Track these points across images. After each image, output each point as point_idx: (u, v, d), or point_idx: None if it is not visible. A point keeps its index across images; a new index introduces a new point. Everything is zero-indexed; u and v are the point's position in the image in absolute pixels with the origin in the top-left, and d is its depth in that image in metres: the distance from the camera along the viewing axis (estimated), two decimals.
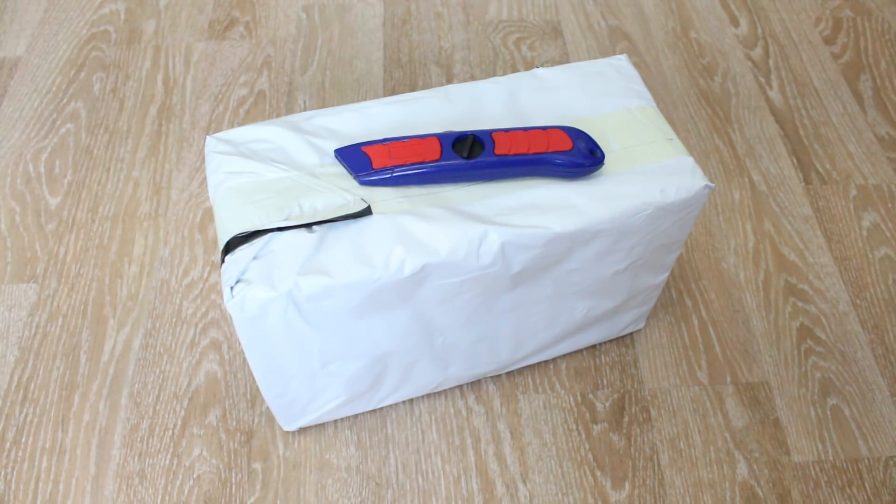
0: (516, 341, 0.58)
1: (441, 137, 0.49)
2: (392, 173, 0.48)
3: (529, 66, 0.89)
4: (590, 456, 0.60)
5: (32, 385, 0.63)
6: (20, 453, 0.59)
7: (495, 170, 0.48)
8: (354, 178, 0.49)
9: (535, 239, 0.47)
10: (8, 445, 0.60)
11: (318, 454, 0.59)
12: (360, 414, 0.61)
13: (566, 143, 0.49)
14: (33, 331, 0.66)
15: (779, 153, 0.81)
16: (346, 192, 0.48)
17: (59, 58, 0.88)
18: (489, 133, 0.49)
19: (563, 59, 0.90)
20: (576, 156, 0.48)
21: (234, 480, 0.58)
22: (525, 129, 0.49)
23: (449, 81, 0.87)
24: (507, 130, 0.49)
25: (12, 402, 0.62)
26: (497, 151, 0.48)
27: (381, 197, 0.48)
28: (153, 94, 0.85)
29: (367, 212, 0.47)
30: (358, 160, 0.49)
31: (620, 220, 0.49)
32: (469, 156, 0.48)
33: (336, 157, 0.49)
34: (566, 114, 0.53)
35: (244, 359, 0.64)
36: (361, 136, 0.51)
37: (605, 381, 0.64)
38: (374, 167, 0.48)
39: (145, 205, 0.75)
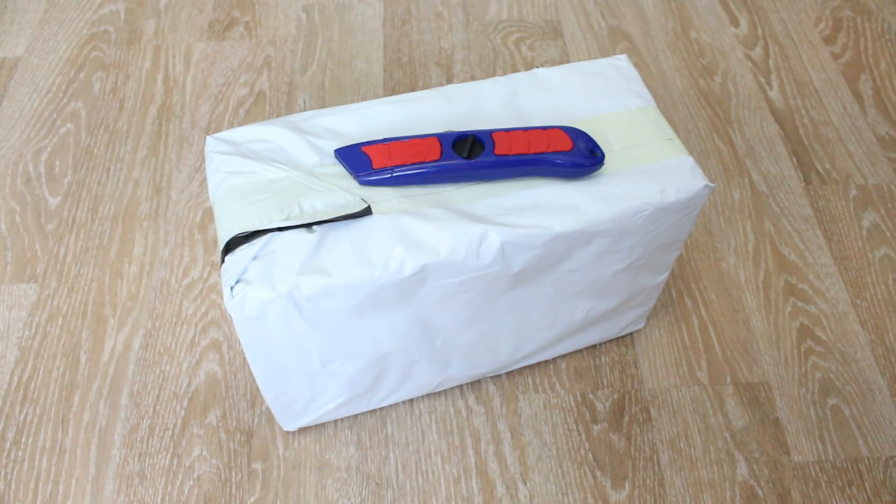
0: (516, 341, 0.58)
1: (441, 137, 0.49)
2: (392, 173, 0.48)
3: (529, 66, 0.89)
4: (590, 456, 0.60)
5: (32, 385, 0.63)
6: (20, 453, 0.59)
7: (495, 170, 0.48)
8: (354, 178, 0.48)
9: (534, 239, 0.47)
10: (8, 445, 0.60)
11: (318, 454, 0.59)
12: (360, 414, 0.61)
13: (566, 143, 0.49)
14: (33, 331, 0.66)
15: (779, 153, 0.81)
16: (346, 192, 0.48)
17: (59, 58, 0.88)
18: (489, 133, 0.49)
19: (563, 59, 0.90)
20: (576, 156, 0.48)
21: (234, 480, 0.58)
22: (525, 130, 0.49)
23: (449, 81, 0.87)
24: (507, 130, 0.49)
25: (12, 402, 0.62)
26: (497, 151, 0.48)
27: (381, 197, 0.48)
28: (153, 94, 0.85)
29: (367, 212, 0.47)
30: (358, 160, 0.48)
31: (620, 220, 0.49)
32: (469, 156, 0.48)
33: (336, 157, 0.49)
34: (566, 114, 0.53)
35: (244, 359, 0.64)
36: (361, 135, 0.51)
37: (605, 381, 0.64)
38: (374, 167, 0.48)
39: (145, 205, 0.75)
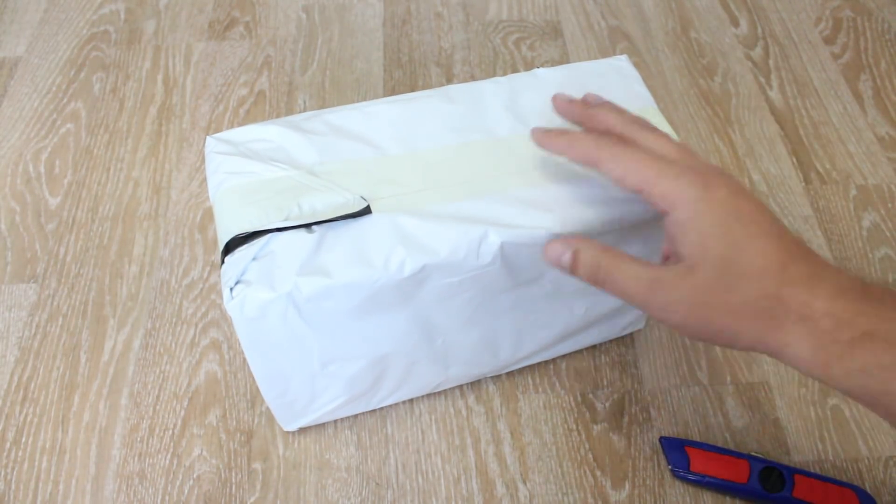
0: (516, 341, 0.58)
1: (751, 462, 0.56)
2: (703, 479, 0.56)
3: (529, 66, 0.89)
4: (590, 456, 0.60)
5: (32, 385, 0.63)
6: (20, 453, 0.59)
7: None
8: (671, 469, 0.57)
9: (535, 239, 0.47)
10: (8, 445, 0.60)
11: (318, 454, 0.59)
12: (360, 414, 0.61)
13: None
14: (33, 331, 0.66)
15: (779, 153, 0.81)
16: (346, 190, 0.48)
17: (59, 58, 0.88)
18: (793, 472, 0.55)
19: (563, 59, 0.90)
20: None
21: (234, 480, 0.58)
22: (822, 480, 0.55)
23: (449, 81, 0.87)
24: (807, 475, 0.55)
25: (12, 402, 0.62)
26: (795, 494, 0.54)
27: (381, 194, 0.48)
28: (153, 94, 0.85)
29: (366, 211, 0.47)
30: (679, 455, 0.57)
31: (621, 221, 0.49)
32: (770, 489, 0.54)
33: (660, 442, 0.58)
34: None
35: (244, 359, 0.64)
36: (362, 133, 0.51)
37: (605, 381, 0.64)
38: (691, 469, 0.56)
39: (145, 205, 0.75)
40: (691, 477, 0.56)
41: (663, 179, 0.40)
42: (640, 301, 0.41)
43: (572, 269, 0.44)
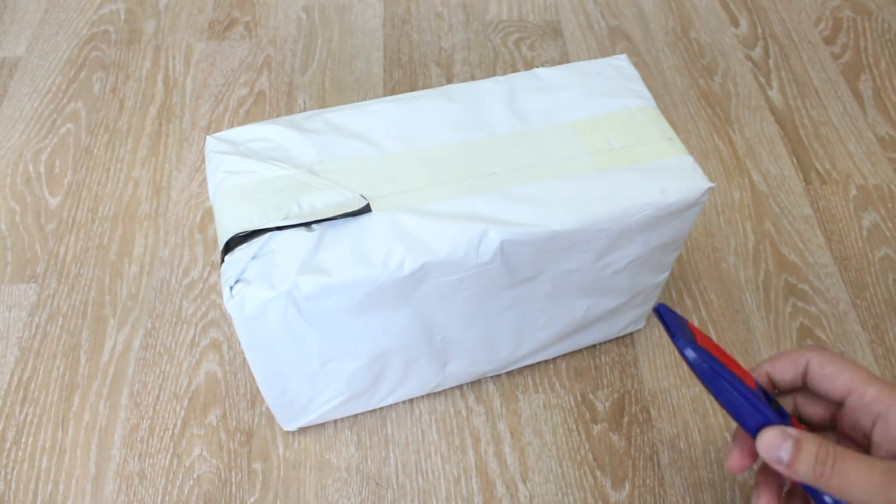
0: (516, 339, 0.58)
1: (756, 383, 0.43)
2: (709, 363, 0.40)
3: (529, 66, 0.89)
4: (590, 456, 0.60)
5: (32, 385, 0.63)
6: (20, 453, 0.59)
7: None
8: (673, 339, 0.41)
9: (534, 237, 0.47)
10: (8, 445, 0.60)
11: (318, 454, 0.59)
12: (360, 414, 0.61)
13: None
14: (33, 331, 0.66)
15: (779, 153, 0.81)
16: (345, 188, 0.48)
17: (59, 58, 0.88)
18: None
19: (563, 59, 0.90)
20: None
21: (234, 480, 0.58)
22: None
23: (449, 81, 0.87)
24: None
25: (12, 402, 0.62)
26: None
27: (381, 193, 0.48)
28: (153, 94, 0.85)
29: (366, 209, 0.47)
30: (679, 324, 0.42)
31: (620, 220, 0.49)
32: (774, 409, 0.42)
33: (658, 311, 0.43)
34: (566, 113, 0.53)
35: (244, 359, 0.64)
36: (362, 132, 0.51)
37: (605, 381, 0.64)
38: (699, 342, 0.41)
39: (145, 205, 0.75)
40: (700, 356, 0.40)
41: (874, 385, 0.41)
42: (876, 500, 0.37)
43: (791, 463, 0.39)
